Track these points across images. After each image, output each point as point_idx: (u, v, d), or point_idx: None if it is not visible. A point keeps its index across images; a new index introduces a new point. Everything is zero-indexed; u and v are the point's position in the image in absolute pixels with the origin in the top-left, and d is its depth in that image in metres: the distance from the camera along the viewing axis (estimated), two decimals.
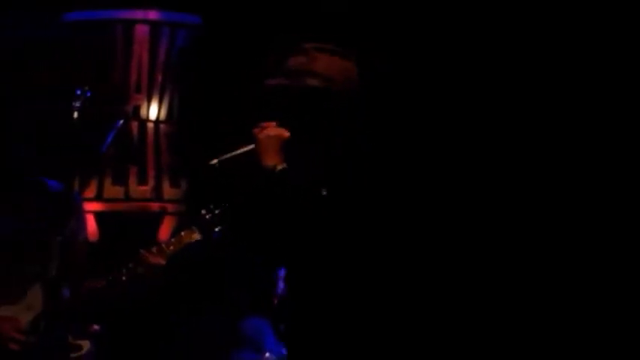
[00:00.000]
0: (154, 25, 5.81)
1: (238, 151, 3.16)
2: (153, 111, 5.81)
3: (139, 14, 5.81)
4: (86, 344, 3.96)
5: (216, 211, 4.03)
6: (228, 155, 3.17)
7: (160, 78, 5.82)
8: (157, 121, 5.82)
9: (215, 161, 3.16)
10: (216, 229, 4.02)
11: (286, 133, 3.09)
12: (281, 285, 4.96)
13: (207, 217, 4.02)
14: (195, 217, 4.04)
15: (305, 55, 3.14)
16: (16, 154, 3.95)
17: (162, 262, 3.94)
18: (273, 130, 3.09)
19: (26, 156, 3.96)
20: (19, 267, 3.88)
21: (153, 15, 5.83)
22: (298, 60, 3.14)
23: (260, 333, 4.90)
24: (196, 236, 4.02)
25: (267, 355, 4.72)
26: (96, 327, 4.15)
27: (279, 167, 3.04)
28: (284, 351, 4.81)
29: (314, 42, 3.18)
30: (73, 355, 3.91)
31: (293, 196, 2.99)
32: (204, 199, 4.56)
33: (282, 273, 4.97)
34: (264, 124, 3.12)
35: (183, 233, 4.01)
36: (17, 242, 3.89)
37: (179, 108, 5.87)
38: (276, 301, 4.96)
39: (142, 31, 5.78)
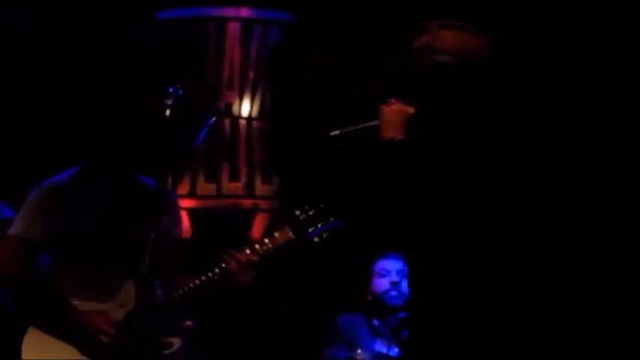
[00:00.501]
0: (245, 23, 5.83)
1: (361, 126, 3.17)
2: (245, 108, 5.84)
3: (230, 12, 5.85)
4: (177, 342, 3.96)
5: (311, 212, 4.01)
6: (351, 128, 3.18)
7: (251, 75, 5.85)
8: (249, 118, 5.85)
9: (337, 132, 3.16)
10: (310, 230, 4.01)
11: (411, 110, 3.09)
12: (375, 281, 4.94)
13: (301, 217, 4.00)
14: (289, 217, 4.03)
15: (428, 33, 3.13)
16: (111, 150, 3.98)
17: (255, 259, 3.94)
18: (398, 106, 3.10)
19: (120, 153, 3.99)
20: (112, 264, 3.91)
21: (245, 12, 5.86)
22: (422, 39, 3.13)
23: (354, 329, 4.88)
24: (290, 236, 4.00)
25: (359, 351, 4.69)
26: (189, 323, 4.17)
27: (397, 138, 3.04)
28: (377, 348, 4.80)
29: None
30: (164, 352, 3.93)
31: (407, 166, 2.99)
32: (298, 198, 4.57)
33: (377, 269, 4.95)
34: (393, 101, 3.12)
35: (277, 234, 4.00)
36: (111, 239, 3.92)
37: (271, 105, 5.89)
38: (370, 298, 4.94)
39: (233, 29, 5.81)
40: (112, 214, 3.96)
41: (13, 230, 3.90)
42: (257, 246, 3.98)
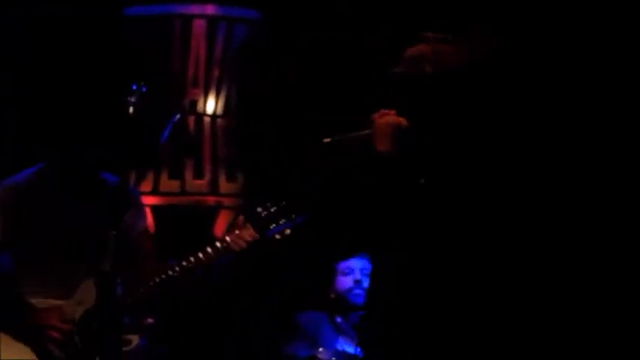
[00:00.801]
0: (211, 20, 5.83)
1: (352, 135, 3.18)
2: (210, 105, 5.84)
3: (196, 9, 5.84)
4: (135, 339, 3.96)
5: (272, 209, 4.02)
6: (343, 137, 3.19)
7: (217, 72, 5.84)
8: (213, 116, 5.85)
9: (328, 140, 3.17)
10: (272, 227, 4.02)
11: (405, 123, 3.10)
12: (339, 279, 4.96)
13: (262, 214, 4.01)
14: (251, 214, 4.03)
15: (425, 43, 3.13)
16: (73, 148, 3.98)
17: (257, 237, 3.96)
18: (392, 118, 3.10)
19: (82, 150, 3.99)
20: (71, 262, 3.91)
21: (210, 10, 5.85)
22: (418, 48, 3.14)
23: (316, 327, 4.89)
24: (252, 234, 4.01)
25: (321, 350, 4.71)
26: (150, 320, 4.17)
27: (390, 154, 3.05)
28: (339, 346, 4.82)
29: (428, 30, 3.17)
30: (123, 349, 3.92)
31: (395, 182, 2.99)
32: (262, 195, 4.56)
33: (340, 267, 4.97)
34: (385, 111, 3.13)
35: (238, 231, 4.01)
36: (71, 238, 3.92)
37: (236, 102, 5.89)
38: (333, 295, 4.96)
39: (199, 26, 5.81)
40: (72, 213, 3.96)
41: None
42: (218, 244, 3.99)
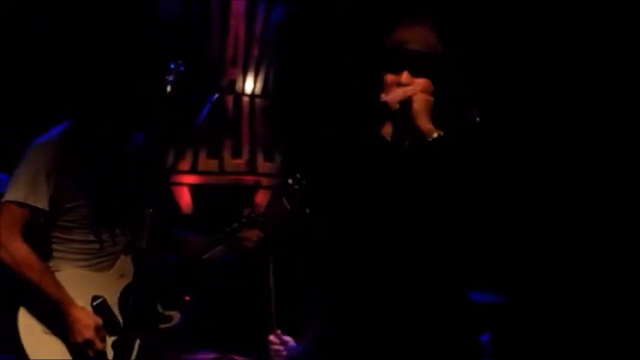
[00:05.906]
0: (250, 0, 5.82)
1: None
2: (248, 85, 5.86)
3: None
4: (176, 316, 3.95)
5: (304, 182, 3.95)
6: None
7: (256, 52, 5.85)
8: (252, 95, 5.87)
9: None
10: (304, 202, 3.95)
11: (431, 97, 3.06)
12: None
13: (295, 187, 3.96)
14: (284, 188, 3.98)
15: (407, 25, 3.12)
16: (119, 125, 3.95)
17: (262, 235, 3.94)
18: (425, 95, 3.06)
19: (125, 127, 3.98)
20: (111, 230, 3.86)
21: None
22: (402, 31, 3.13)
23: None
24: (286, 208, 3.96)
25: None
26: (187, 297, 4.18)
27: (435, 134, 3.01)
28: None
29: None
30: (162, 326, 3.91)
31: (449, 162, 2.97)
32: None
33: None
34: (416, 82, 3.07)
35: (272, 204, 3.97)
36: (109, 204, 3.86)
37: (274, 82, 5.90)
38: None
39: (238, 6, 5.81)
40: (108, 174, 3.90)
41: (13, 195, 3.76)
42: (253, 215, 3.97)
